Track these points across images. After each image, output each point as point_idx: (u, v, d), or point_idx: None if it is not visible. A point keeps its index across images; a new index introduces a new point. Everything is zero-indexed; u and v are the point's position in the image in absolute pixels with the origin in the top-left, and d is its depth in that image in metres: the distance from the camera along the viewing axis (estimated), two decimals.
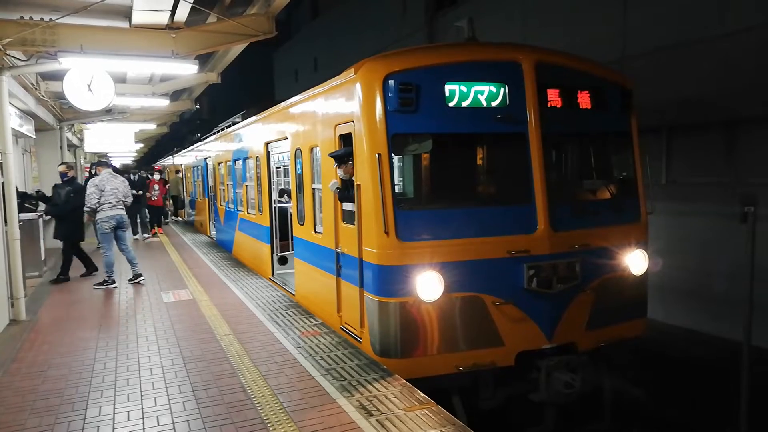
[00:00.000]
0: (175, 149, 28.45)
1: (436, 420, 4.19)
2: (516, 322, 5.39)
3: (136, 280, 9.72)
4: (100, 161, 10.62)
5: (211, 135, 16.48)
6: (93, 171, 13.61)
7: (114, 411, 4.53)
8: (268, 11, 8.61)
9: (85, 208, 9.46)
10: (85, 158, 25.52)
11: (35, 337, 6.69)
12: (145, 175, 19.04)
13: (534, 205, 5.39)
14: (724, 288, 8.69)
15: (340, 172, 5.95)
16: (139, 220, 16.37)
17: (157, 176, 19.16)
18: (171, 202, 23.39)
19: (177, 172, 24.48)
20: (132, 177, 15.98)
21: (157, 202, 17.33)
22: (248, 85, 39.14)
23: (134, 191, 15.10)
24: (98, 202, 9.24)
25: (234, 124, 12.87)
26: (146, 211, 16.81)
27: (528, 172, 5.42)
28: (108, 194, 9.35)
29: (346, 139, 5.86)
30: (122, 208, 9.60)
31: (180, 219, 23.22)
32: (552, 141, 5.76)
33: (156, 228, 17.45)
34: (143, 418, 4.39)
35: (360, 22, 21.76)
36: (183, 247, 14.47)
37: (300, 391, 4.79)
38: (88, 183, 9.53)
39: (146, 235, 16.47)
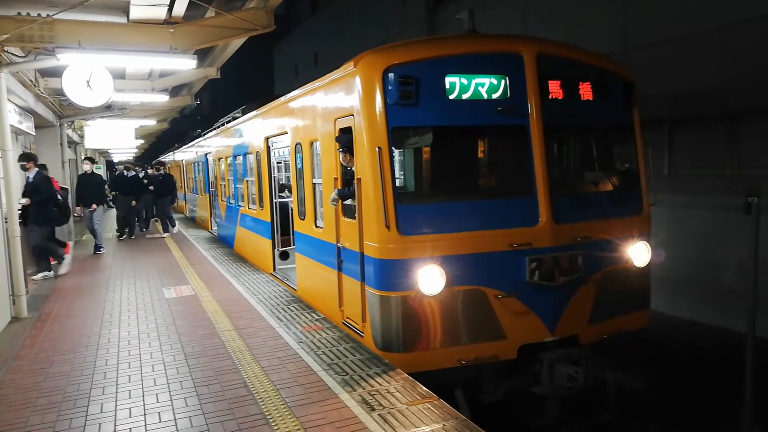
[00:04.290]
0: (176, 145, 28.37)
1: (438, 414, 4.17)
2: (518, 315, 5.37)
3: None
4: None
5: (211, 131, 16.43)
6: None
7: (116, 408, 4.52)
8: (266, 5, 8.57)
9: None
10: (85, 155, 25.52)
11: (37, 334, 6.68)
12: (143, 173, 18.62)
13: (536, 198, 5.35)
14: (727, 279, 8.66)
15: (342, 159, 5.92)
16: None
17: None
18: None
19: (126, 169, 17.45)
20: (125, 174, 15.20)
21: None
22: (248, 81, 39.05)
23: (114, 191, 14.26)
24: None
25: (234, 119, 12.84)
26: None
27: (529, 165, 5.38)
28: None
29: (346, 133, 5.83)
30: None
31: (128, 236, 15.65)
32: (553, 133, 5.70)
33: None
34: (145, 414, 4.38)
35: (360, 16, 21.68)
36: (184, 243, 14.47)
37: (302, 387, 4.77)
38: None
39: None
